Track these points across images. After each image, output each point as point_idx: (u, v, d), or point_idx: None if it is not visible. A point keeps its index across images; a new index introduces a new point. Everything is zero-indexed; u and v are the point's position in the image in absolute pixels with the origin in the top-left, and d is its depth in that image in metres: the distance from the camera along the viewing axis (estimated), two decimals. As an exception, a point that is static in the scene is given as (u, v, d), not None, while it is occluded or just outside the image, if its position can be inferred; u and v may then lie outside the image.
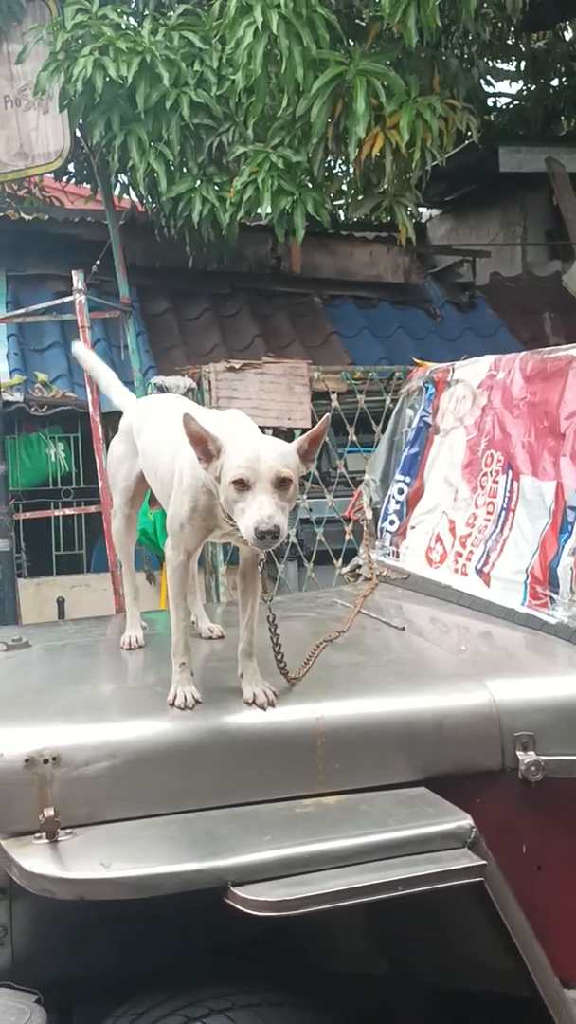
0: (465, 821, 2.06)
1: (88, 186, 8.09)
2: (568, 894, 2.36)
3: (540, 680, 2.49)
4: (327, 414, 2.28)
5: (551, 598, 2.75)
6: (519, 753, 2.28)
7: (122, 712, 2.31)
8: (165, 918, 2.13)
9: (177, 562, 2.36)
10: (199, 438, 2.13)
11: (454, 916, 2.15)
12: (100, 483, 6.28)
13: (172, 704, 2.24)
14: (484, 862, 1.99)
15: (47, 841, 1.96)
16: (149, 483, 2.67)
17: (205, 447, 2.13)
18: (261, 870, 1.90)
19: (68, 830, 2.00)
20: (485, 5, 4.90)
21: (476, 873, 1.98)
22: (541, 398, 3.03)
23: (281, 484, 2.06)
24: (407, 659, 2.66)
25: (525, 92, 10.90)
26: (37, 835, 1.98)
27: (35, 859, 1.92)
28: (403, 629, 2.88)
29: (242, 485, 2.04)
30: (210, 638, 2.83)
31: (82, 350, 3.30)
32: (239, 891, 1.84)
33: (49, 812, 1.96)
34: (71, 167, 8.08)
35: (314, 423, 6.44)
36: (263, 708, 2.25)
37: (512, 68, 10.55)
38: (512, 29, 8.70)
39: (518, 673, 2.51)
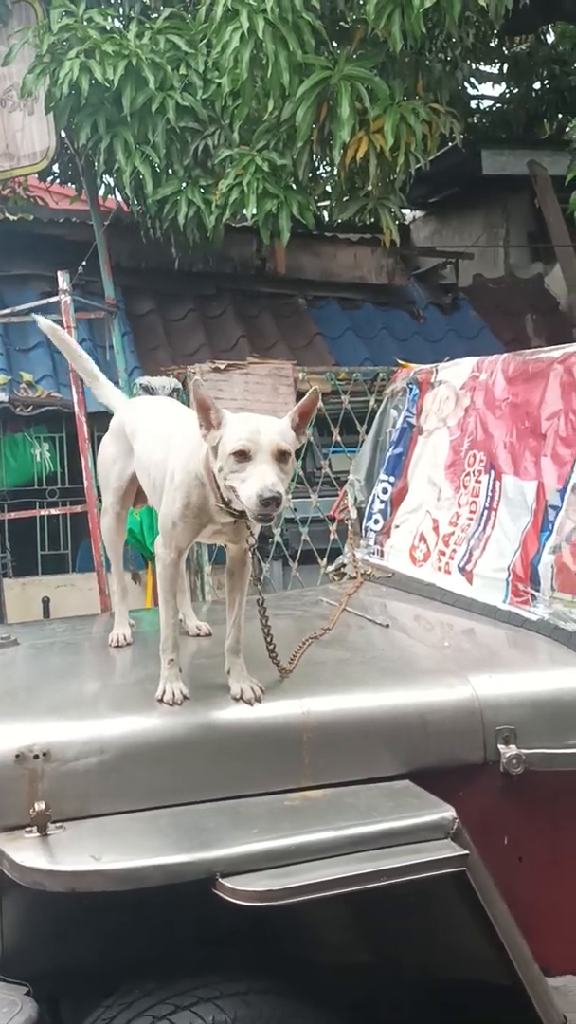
0: (448, 813, 2.11)
1: (73, 186, 8.11)
2: (548, 885, 2.41)
3: (521, 675, 2.53)
4: (315, 387, 2.32)
5: (532, 595, 2.79)
6: (501, 747, 2.33)
7: (111, 708, 2.35)
8: (153, 909, 2.17)
9: (168, 560, 2.39)
10: (204, 405, 2.17)
11: (438, 906, 2.19)
12: (85, 483, 6.30)
13: (160, 700, 2.27)
14: (466, 852, 2.04)
15: (38, 835, 1.99)
16: (142, 484, 2.71)
17: (208, 414, 2.17)
18: (249, 861, 1.93)
19: (58, 824, 2.03)
20: (469, 12, 4.94)
21: (458, 863, 2.02)
22: (523, 399, 3.07)
23: (281, 457, 2.11)
24: (391, 655, 2.70)
25: (508, 95, 10.95)
26: (28, 829, 2.01)
27: (26, 852, 1.95)
28: (387, 626, 2.92)
29: (243, 456, 2.09)
30: (198, 635, 2.86)
31: (50, 327, 2.94)
32: (227, 882, 1.88)
33: (40, 806, 1.99)
34: (56, 167, 8.09)
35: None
36: (250, 703, 2.28)
37: (495, 70, 10.61)
38: (495, 33, 8.78)
39: (500, 669, 2.56)
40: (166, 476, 2.40)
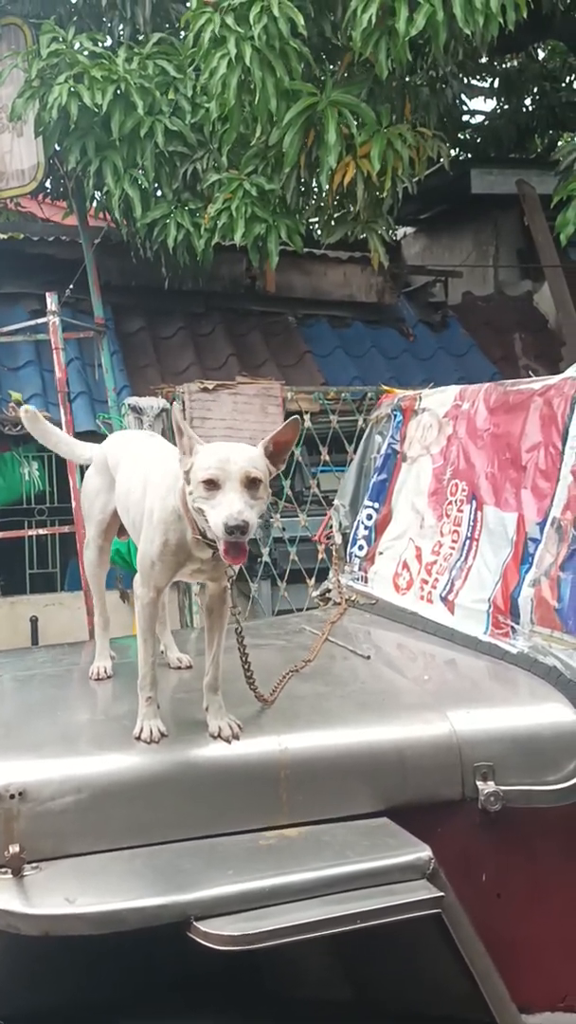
0: (423, 853, 2.11)
1: (65, 203, 8.11)
2: (526, 921, 2.40)
3: (500, 711, 2.53)
4: (295, 416, 2.35)
5: (512, 628, 2.80)
6: (479, 783, 2.33)
7: (89, 745, 2.34)
8: (133, 948, 2.16)
9: (147, 599, 2.40)
10: (178, 431, 2.21)
11: (416, 944, 2.19)
12: (73, 502, 6.30)
13: (138, 738, 2.28)
14: (441, 894, 2.04)
15: (12, 876, 1.99)
16: (122, 520, 2.72)
17: (181, 441, 2.20)
18: (223, 904, 1.94)
19: (34, 864, 2.03)
20: (454, 42, 4.98)
21: (433, 905, 2.03)
22: (504, 430, 3.08)
23: (251, 484, 2.12)
24: (372, 689, 2.70)
25: (498, 111, 10.99)
26: (2, 870, 2.00)
27: (0, 894, 1.95)
28: (369, 658, 2.93)
29: (212, 485, 2.11)
30: (179, 668, 2.87)
31: (29, 419, 2.93)
32: (202, 925, 1.89)
33: (14, 849, 1.99)
34: (48, 183, 8.10)
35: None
36: (228, 741, 2.29)
37: (486, 84, 10.64)
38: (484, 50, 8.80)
39: (479, 703, 2.56)
40: (144, 514, 2.41)
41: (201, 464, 2.14)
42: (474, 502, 3.15)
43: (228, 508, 2.07)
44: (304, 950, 2.27)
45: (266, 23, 4.93)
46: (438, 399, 3.58)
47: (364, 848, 2.14)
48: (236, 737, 2.30)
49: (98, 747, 2.32)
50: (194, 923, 1.89)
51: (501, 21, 4.68)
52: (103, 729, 2.45)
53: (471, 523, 3.14)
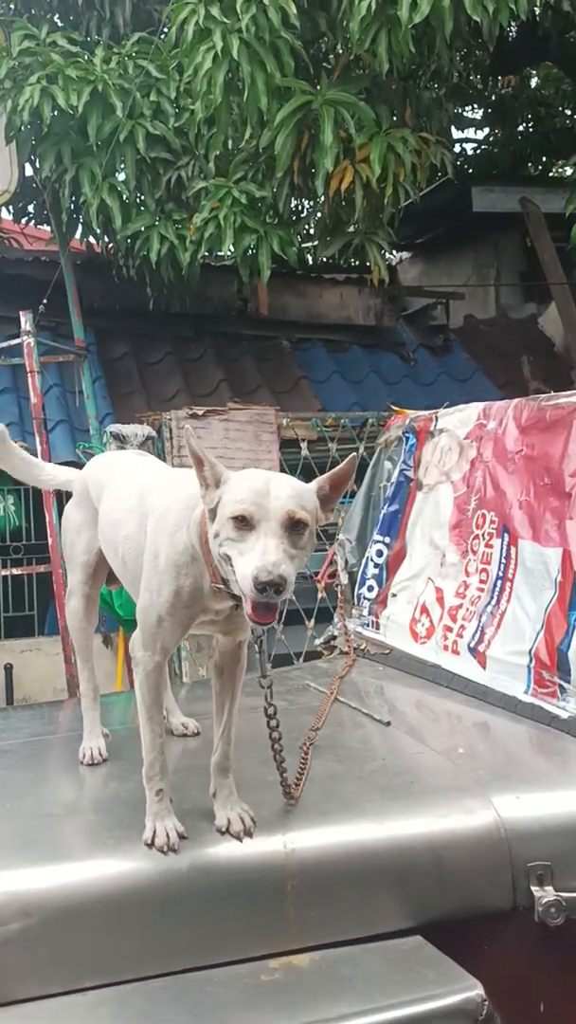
0: (473, 992, 1.69)
1: (49, 228, 7.75)
2: (597, 1062, 1.93)
3: (556, 795, 2.11)
4: (353, 453, 1.87)
5: (560, 687, 2.43)
6: (534, 889, 1.91)
7: (41, 854, 1.84)
8: None
9: (152, 664, 1.89)
10: (196, 459, 1.74)
11: None
12: (50, 540, 5.85)
13: (151, 845, 1.80)
14: (502, 1055, 1.57)
15: None
16: (108, 558, 2.22)
17: (201, 471, 1.73)
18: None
19: (-35, 1020, 1.56)
20: (460, 34, 4.60)
21: (493, 1070, 1.55)
22: (540, 451, 2.73)
23: (294, 527, 1.64)
24: (396, 767, 2.24)
25: (493, 138, 10.87)
26: None
27: None
28: (388, 724, 2.46)
29: (243, 523, 1.63)
30: (184, 735, 2.40)
31: None
32: None
33: None
34: (31, 208, 7.75)
35: (283, 471, 6.13)
36: (239, 838, 1.86)
37: (479, 116, 10.54)
38: (479, 75, 8.64)
39: (529, 785, 2.13)
40: (145, 555, 1.91)
41: (232, 496, 1.66)
42: (506, 536, 2.76)
43: (261, 557, 1.58)
44: None
45: (255, 13, 4.55)
46: (458, 418, 3.22)
47: (396, 985, 1.70)
48: (248, 833, 1.87)
49: (53, 855, 1.84)
50: None
51: (513, 7, 4.27)
52: (61, 830, 1.95)
53: (503, 560, 2.76)
